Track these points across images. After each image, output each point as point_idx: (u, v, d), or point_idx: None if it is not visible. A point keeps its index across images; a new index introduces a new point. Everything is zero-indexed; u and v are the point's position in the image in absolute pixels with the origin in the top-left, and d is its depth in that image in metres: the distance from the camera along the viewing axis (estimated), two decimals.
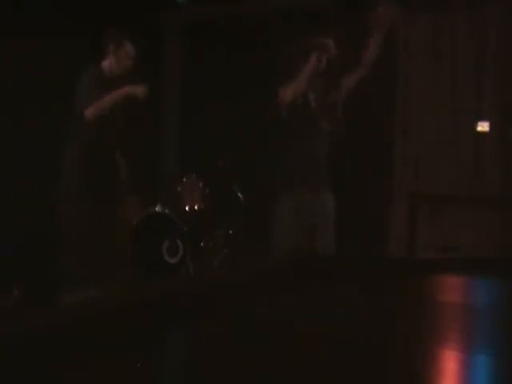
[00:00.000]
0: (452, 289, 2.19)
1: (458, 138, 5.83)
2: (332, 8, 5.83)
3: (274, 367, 1.27)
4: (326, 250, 3.93)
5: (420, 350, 1.40)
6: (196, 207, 5.53)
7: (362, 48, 4.13)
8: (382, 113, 6.05)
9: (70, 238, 4.12)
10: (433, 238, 5.53)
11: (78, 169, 4.14)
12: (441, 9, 5.83)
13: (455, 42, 5.88)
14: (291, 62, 4.11)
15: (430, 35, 5.97)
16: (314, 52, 4.02)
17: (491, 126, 5.61)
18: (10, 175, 4.79)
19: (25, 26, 4.92)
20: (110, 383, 1.19)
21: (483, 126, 5.66)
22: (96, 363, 1.25)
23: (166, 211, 5.26)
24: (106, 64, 4.34)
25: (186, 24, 6.85)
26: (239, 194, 5.52)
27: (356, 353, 1.37)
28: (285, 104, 3.98)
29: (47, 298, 3.79)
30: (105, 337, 1.35)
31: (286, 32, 5.95)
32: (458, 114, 5.81)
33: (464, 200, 5.53)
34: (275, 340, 1.46)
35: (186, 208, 5.51)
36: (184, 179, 5.58)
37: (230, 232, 5.56)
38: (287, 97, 3.97)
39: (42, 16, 5.01)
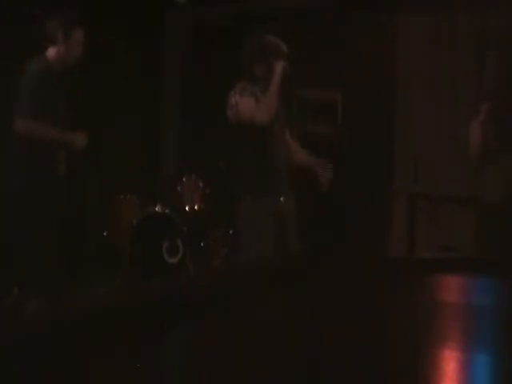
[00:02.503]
0: (452, 289, 2.19)
1: (458, 137, 5.83)
2: (332, 8, 5.83)
3: (273, 367, 1.27)
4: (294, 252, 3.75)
5: (420, 350, 1.40)
6: (196, 207, 5.54)
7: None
8: (382, 113, 6.05)
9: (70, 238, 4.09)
10: (432, 238, 5.54)
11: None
12: (441, 9, 5.84)
13: (455, 42, 5.88)
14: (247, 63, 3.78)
15: (430, 35, 5.97)
16: (279, 61, 3.65)
17: None
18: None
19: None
20: (110, 383, 1.19)
21: None
22: (96, 363, 1.25)
23: (166, 211, 5.26)
24: (54, 53, 3.84)
25: (186, 24, 6.85)
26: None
27: (355, 353, 1.37)
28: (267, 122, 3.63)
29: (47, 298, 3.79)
30: (105, 337, 1.36)
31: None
32: (458, 114, 5.81)
33: (464, 200, 5.53)
34: (275, 340, 1.47)
35: (186, 208, 5.51)
36: (184, 179, 5.58)
37: (230, 232, 5.56)
38: (265, 118, 3.60)
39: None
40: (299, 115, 6.34)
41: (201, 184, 5.57)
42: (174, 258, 5.22)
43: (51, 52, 3.84)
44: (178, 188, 5.56)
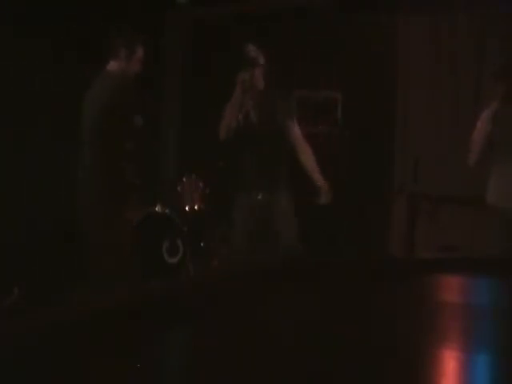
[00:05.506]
0: (452, 289, 2.19)
1: (458, 137, 5.83)
2: (332, 8, 5.83)
3: (273, 367, 1.27)
4: (288, 251, 3.86)
5: (420, 350, 1.40)
6: (196, 207, 5.53)
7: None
8: (382, 112, 6.05)
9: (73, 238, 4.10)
10: (433, 238, 5.53)
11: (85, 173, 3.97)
12: (441, 9, 5.83)
13: (455, 42, 5.88)
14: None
15: (430, 35, 5.97)
16: (240, 73, 3.97)
17: None
18: (11, 176, 4.79)
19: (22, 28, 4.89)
20: (110, 383, 1.19)
21: None
22: (96, 363, 1.25)
23: (166, 211, 5.26)
24: (115, 67, 3.96)
25: (186, 24, 6.84)
26: None
27: (356, 353, 1.37)
28: (224, 138, 3.99)
29: (47, 298, 3.79)
30: (105, 337, 1.35)
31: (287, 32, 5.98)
32: (458, 113, 5.81)
33: (464, 200, 5.52)
34: (275, 340, 1.46)
35: (186, 208, 5.51)
36: (184, 179, 5.58)
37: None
38: (222, 135, 3.99)
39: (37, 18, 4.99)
40: (299, 115, 6.33)
41: (201, 184, 5.57)
42: (174, 258, 5.22)
43: (113, 67, 3.97)
44: (178, 188, 5.55)
